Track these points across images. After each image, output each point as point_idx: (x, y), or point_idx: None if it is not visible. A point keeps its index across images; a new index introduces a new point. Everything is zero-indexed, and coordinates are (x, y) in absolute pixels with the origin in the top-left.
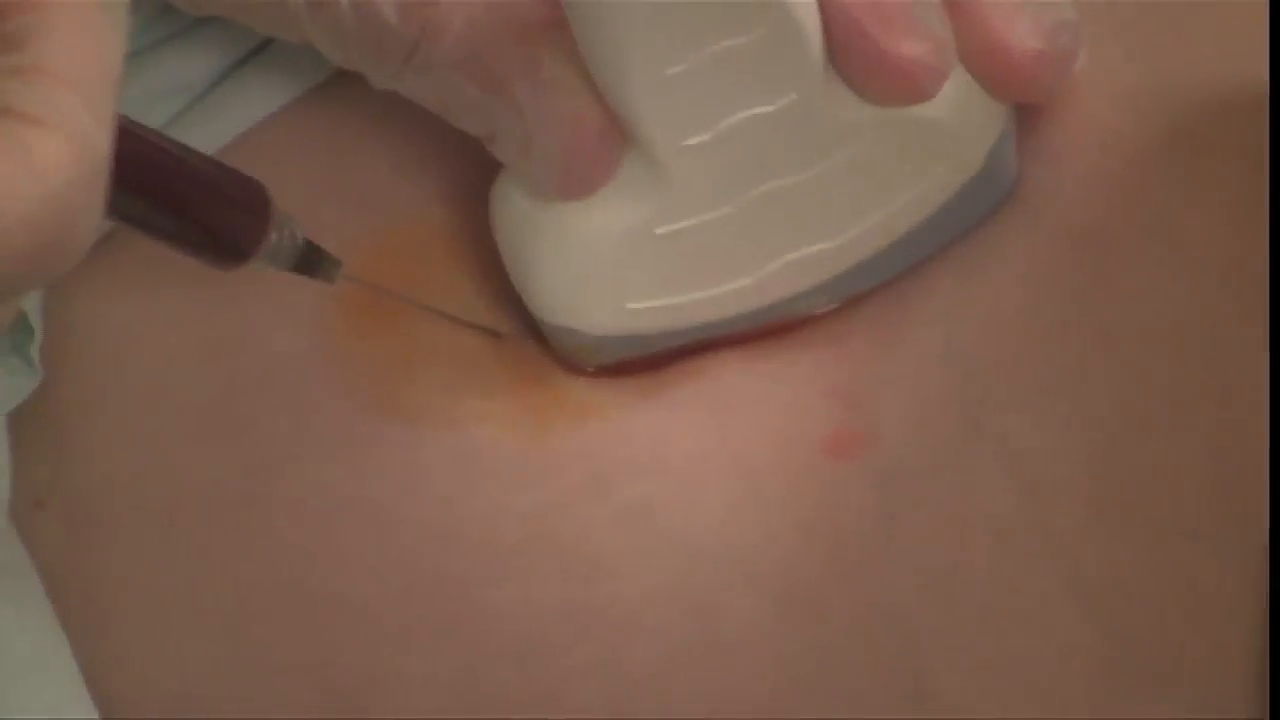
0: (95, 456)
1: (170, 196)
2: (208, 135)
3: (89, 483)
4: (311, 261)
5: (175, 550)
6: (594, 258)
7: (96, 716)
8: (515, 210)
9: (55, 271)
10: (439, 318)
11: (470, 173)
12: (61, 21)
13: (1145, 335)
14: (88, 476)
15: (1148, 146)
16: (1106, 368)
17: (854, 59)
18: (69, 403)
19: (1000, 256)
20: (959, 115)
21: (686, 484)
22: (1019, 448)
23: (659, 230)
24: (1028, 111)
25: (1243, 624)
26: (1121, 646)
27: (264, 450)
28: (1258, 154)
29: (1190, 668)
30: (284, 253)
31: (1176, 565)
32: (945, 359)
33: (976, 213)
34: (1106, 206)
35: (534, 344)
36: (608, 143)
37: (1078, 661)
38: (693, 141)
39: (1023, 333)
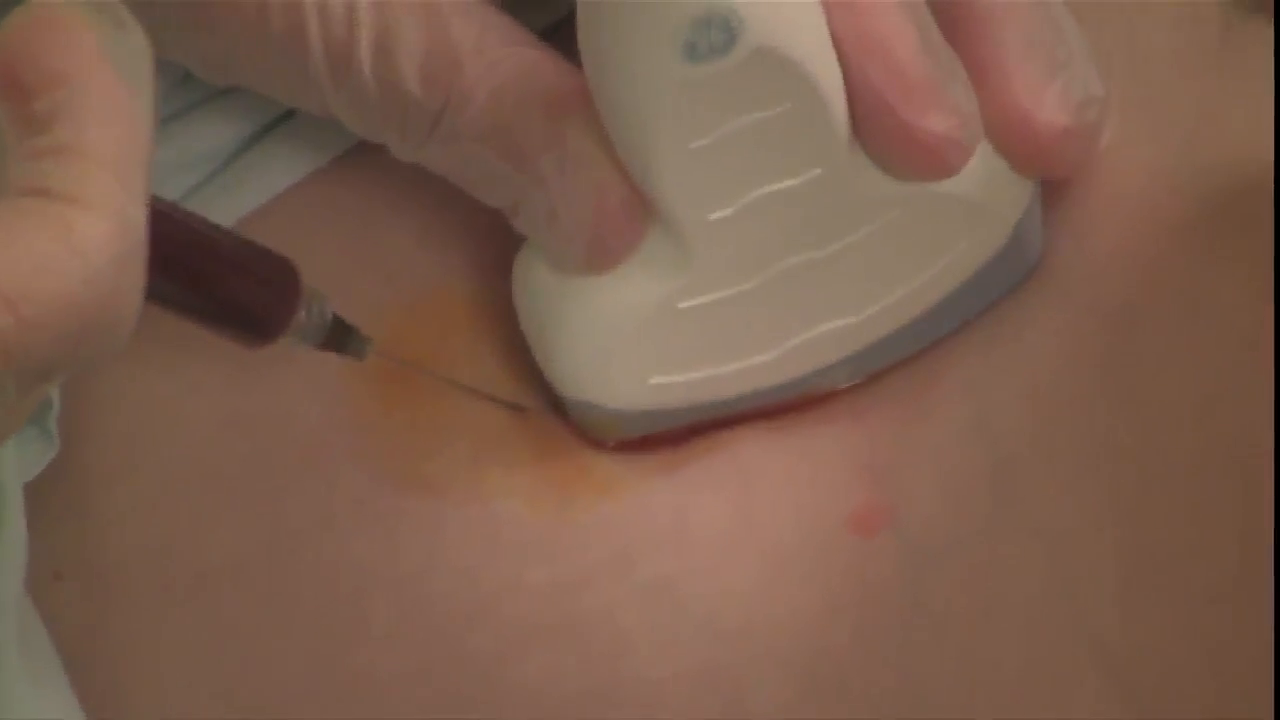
0: (114, 528)
1: (199, 276)
2: (228, 207)
3: (108, 554)
4: (340, 338)
5: (195, 624)
6: (616, 332)
7: None
8: (537, 283)
9: (99, 353)
10: (464, 392)
11: (494, 245)
12: (91, 100)
13: (1173, 409)
14: (107, 548)
15: (1176, 221)
16: (1134, 443)
17: (878, 134)
18: (88, 474)
19: (1027, 331)
20: (984, 189)
21: (710, 561)
22: (1047, 524)
23: (682, 304)
24: (1055, 184)
25: (1271, 699)
26: None
27: (286, 523)
28: None
29: None
30: (313, 330)
31: (1205, 638)
32: (971, 434)
33: (1002, 287)
34: (1134, 281)
35: (556, 418)
36: (631, 216)
37: None
38: (717, 216)
39: (1050, 407)
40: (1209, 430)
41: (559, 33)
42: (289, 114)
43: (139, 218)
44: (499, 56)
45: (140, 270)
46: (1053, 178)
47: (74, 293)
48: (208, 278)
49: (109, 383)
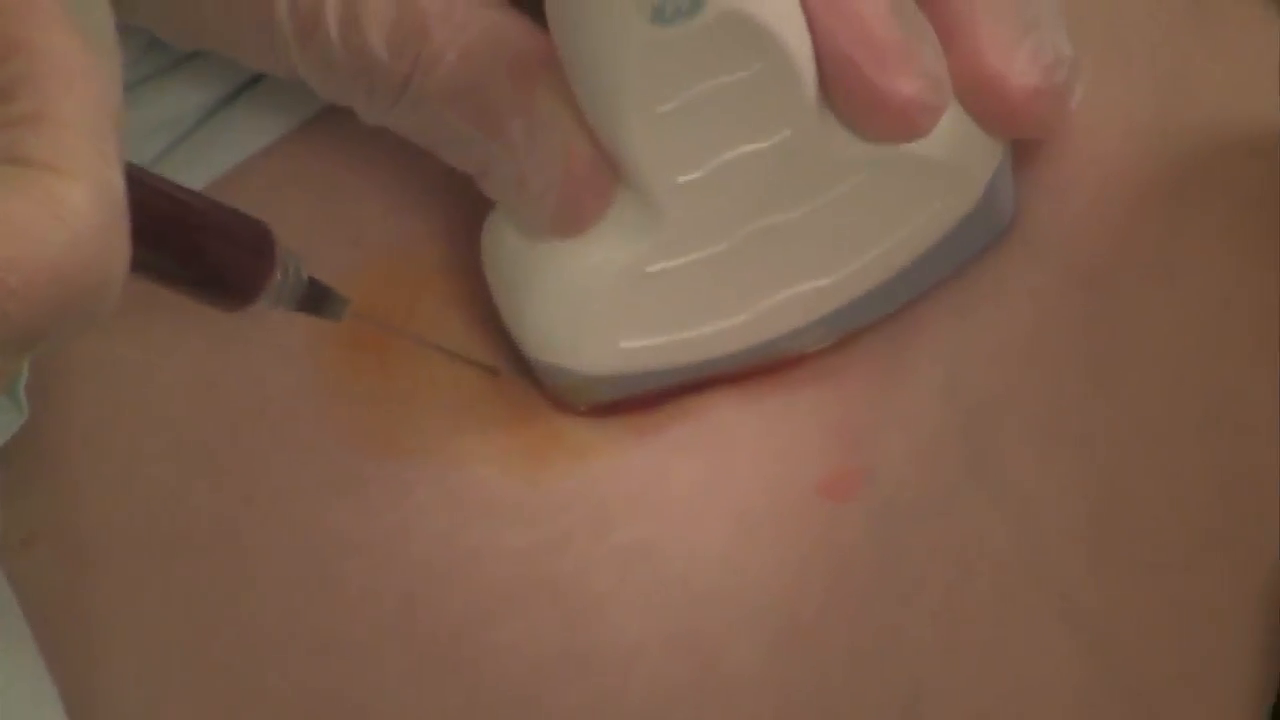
0: (84, 493)
1: (173, 241)
2: (196, 171)
3: (77, 520)
4: (317, 300)
5: (166, 589)
6: (586, 296)
7: None
8: (507, 248)
9: (85, 320)
10: (436, 355)
11: (463, 208)
12: (57, 65)
13: (1146, 371)
14: (76, 513)
15: (1150, 182)
16: (1107, 404)
17: (848, 96)
18: (57, 440)
19: (1000, 292)
20: (955, 150)
21: (684, 524)
22: (1019, 486)
23: (652, 268)
24: (1027, 145)
25: (1242, 660)
26: (1119, 682)
27: (259, 488)
28: (1261, 192)
29: (1189, 703)
30: (289, 292)
31: (1175, 601)
32: (944, 396)
33: (974, 247)
34: (1108, 242)
35: (528, 381)
36: (600, 180)
37: (1075, 698)
38: (686, 179)
39: (1022, 369)
40: (1180, 396)
41: None
42: (257, 78)
43: (118, 181)
44: (466, 20)
45: (124, 234)
46: (1024, 138)
47: (58, 259)
48: (182, 242)
49: (77, 349)
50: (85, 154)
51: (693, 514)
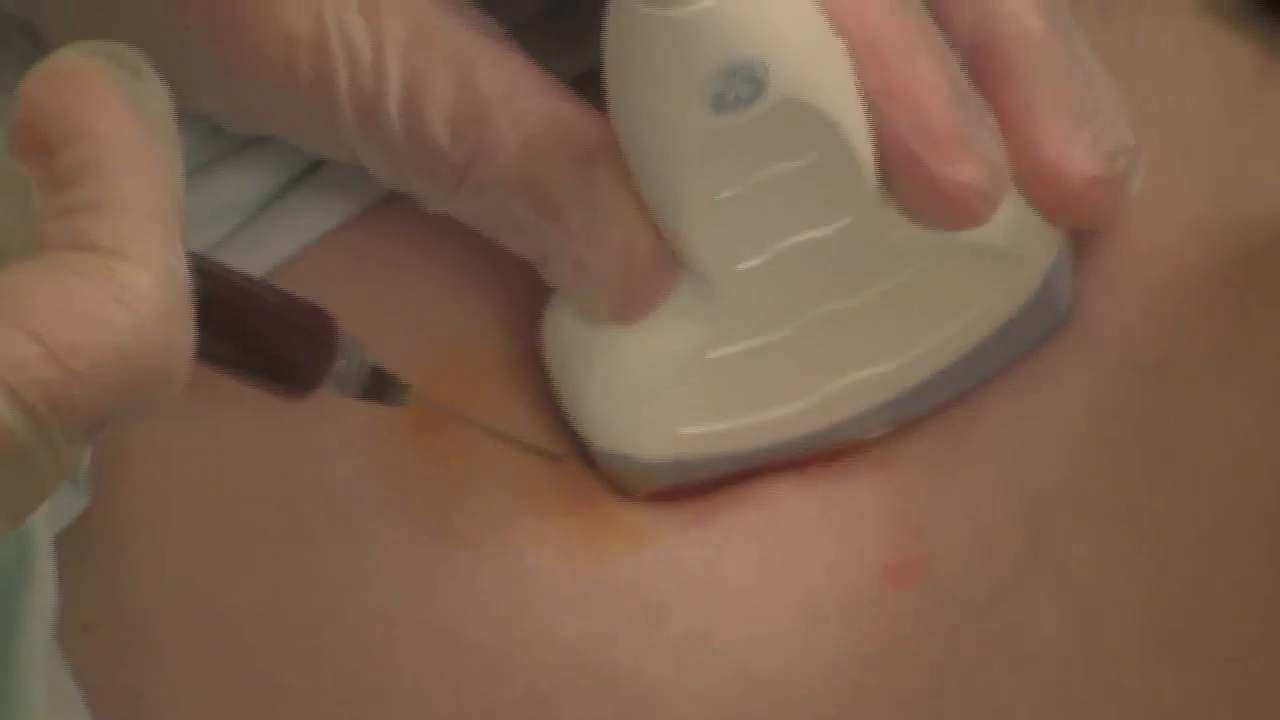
0: (146, 579)
1: (235, 328)
2: (258, 258)
3: (138, 605)
4: (380, 387)
5: (227, 676)
6: (646, 382)
7: None
8: (567, 333)
9: (151, 405)
10: (498, 441)
11: (525, 295)
12: (118, 152)
13: (1205, 464)
14: (138, 599)
15: (1209, 273)
16: (1167, 496)
17: (907, 183)
18: (119, 525)
19: (1058, 381)
20: (1014, 238)
21: (743, 613)
22: (1079, 577)
23: (712, 354)
24: (1087, 235)
25: None
26: None
27: (318, 574)
28: None
29: None
30: (352, 380)
31: (1235, 699)
32: (1004, 485)
33: (1033, 336)
34: (1167, 334)
35: (587, 468)
36: (661, 266)
37: None
38: (746, 265)
39: (1083, 459)
40: (1240, 488)
41: (589, 80)
42: (318, 164)
43: (181, 267)
44: (527, 107)
45: (189, 319)
46: (1083, 227)
47: (123, 344)
48: (245, 329)
49: (138, 432)
50: (148, 239)
51: (751, 601)
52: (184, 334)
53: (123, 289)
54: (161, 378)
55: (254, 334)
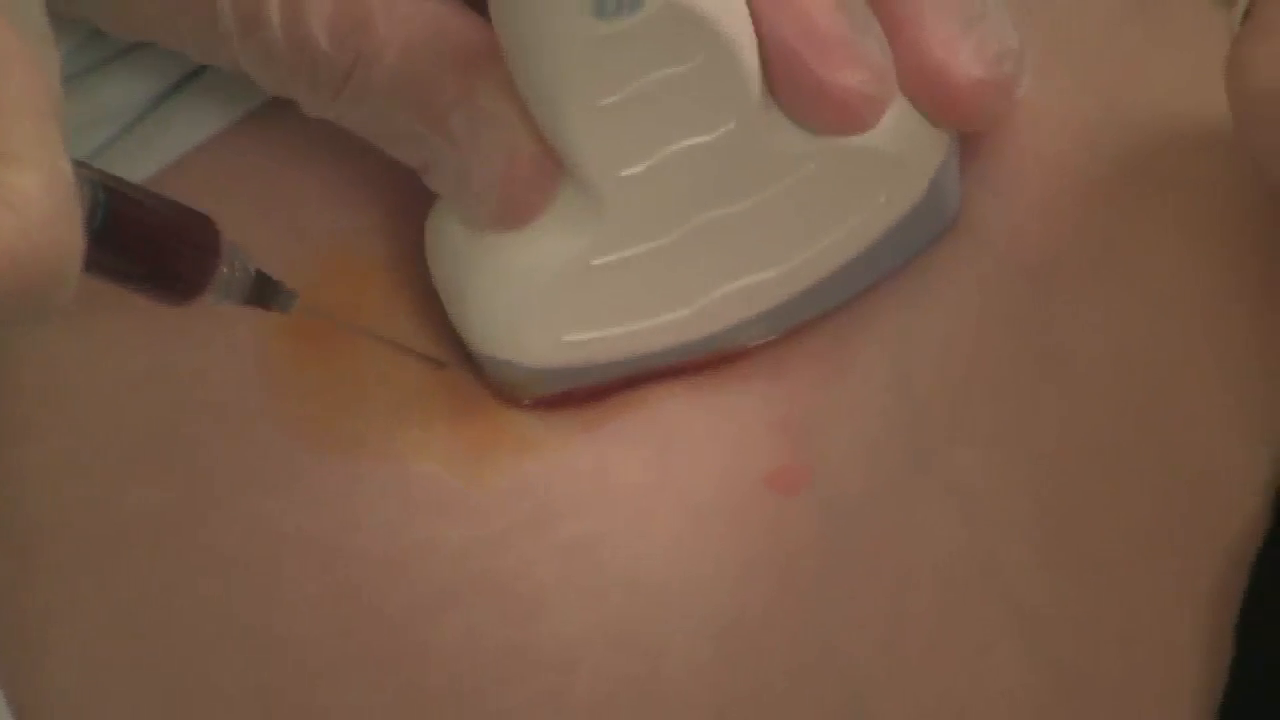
0: (26, 487)
1: (119, 235)
2: (139, 165)
3: (19, 514)
4: (264, 293)
5: (109, 583)
6: (530, 289)
7: None
8: (450, 241)
9: (41, 310)
10: (382, 348)
11: (408, 201)
12: None
13: (1093, 367)
14: (17, 507)
15: (1096, 176)
16: (1054, 400)
17: (792, 89)
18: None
19: (945, 286)
20: (900, 143)
21: (629, 519)
22: (965, 483)
23: (596, 261)
24: (974, 139)
25: (1192, 660)
26: (1068, 685)
27: (201, 482)
28: (1207, 186)
29: (1137, 705)
30: (236, 286)
31: (1123, 602)
32: (890, 391)
33: (920, 241)
34: (1054, 236)
35: (474, 374)
36: (543, 173)
37: (1023, 701)
38: (629, 172)
39: (969, 364)
40: (1128, 388)
41: None
42: (199, 70)
43: (67, 168)
44: (410, 13)
45: (77, 220)
46: (969, 130)
47: (12, 248)
48: (128, 236)
49: (17, 341)
50: (32, 141)
51: (638, 509)
52: (73, 235)
53: (9, 191)
54: (52, 280)
55: (137, 241)
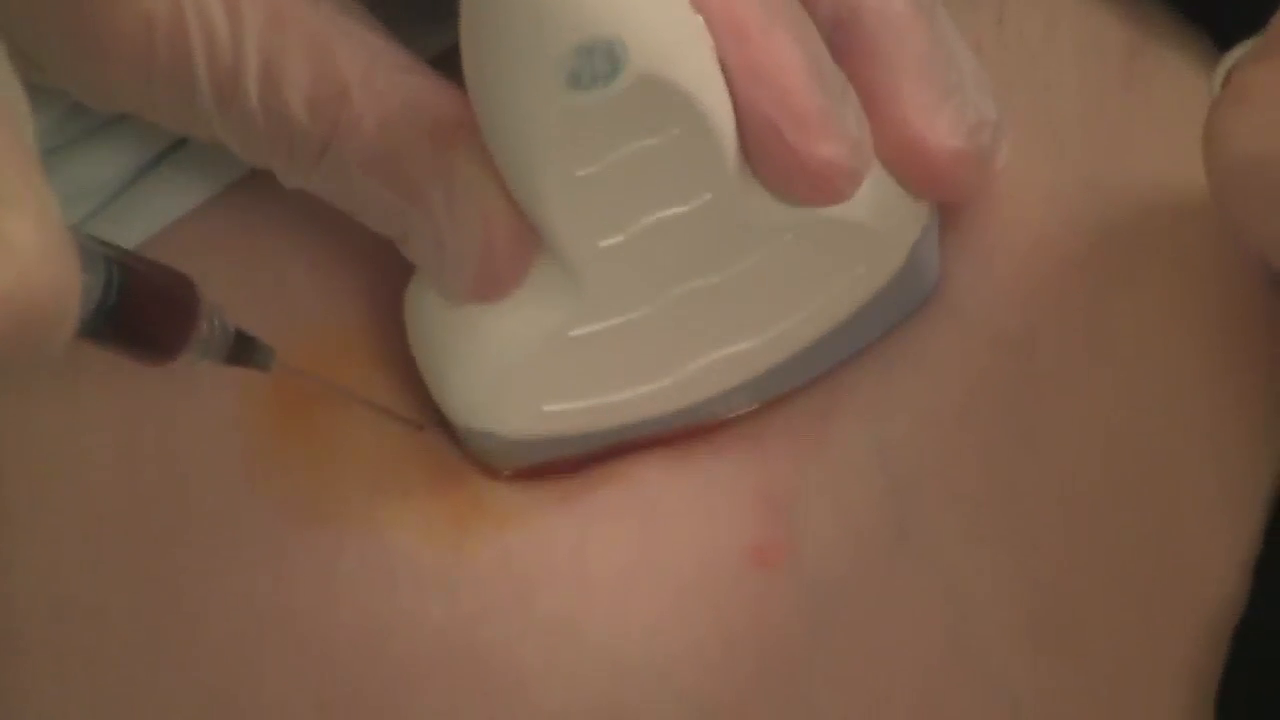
0: (5, 569)
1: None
2: (120, 237)
3: None
4: (242, 352)
5: (89, 662)
6: (508, 361)
7: None
8: (428, 313)
9: (42, 352)
10: (360, 416)
11: (388, 271)
12: None
13: (1074, 440)
14: None
15: (1075, 248)
16: (1035, 472)
17: (769, 160)
18: None
19: (925, 357)
20: (878, 214)
21: (609, 595)
22: (947, 558)
23: (574, 332)
24: (954, 209)
25: None
26: None
27: (181, 560)
28: (1189, 258)
29: None
30: (215, 344)
31: (1107, 674)
32: (869, 465)
33: (899, 312)
34: (1035, 308)
35: (452, 445)
36: (521, 245)
37: None
38: (607, 243)
39: (949, 438)
40: (1109, 462)
41: (451, 57)
42: (180, 142)
43: (57, 211)
44: (387, 86)
45: (73, 261)
46: (947, 201)
47: (8, 292)
48: (107, 295)
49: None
50: (22, 185)
51: (618, 584)
52: (69, 276)
53: (3, 236)
54: (51, 322)
55: (116, 299)
